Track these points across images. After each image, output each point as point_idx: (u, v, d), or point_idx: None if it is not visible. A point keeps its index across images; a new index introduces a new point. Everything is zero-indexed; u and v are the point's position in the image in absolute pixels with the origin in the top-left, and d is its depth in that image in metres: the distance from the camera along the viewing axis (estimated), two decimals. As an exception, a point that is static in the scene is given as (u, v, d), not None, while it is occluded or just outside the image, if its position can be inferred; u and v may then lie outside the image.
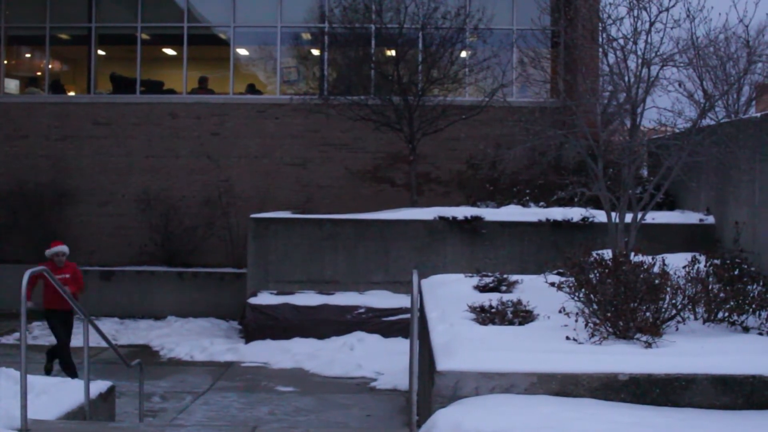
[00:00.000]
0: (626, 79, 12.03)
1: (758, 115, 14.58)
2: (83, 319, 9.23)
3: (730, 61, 18.27)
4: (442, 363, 7.12)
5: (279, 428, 9.83)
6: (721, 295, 8.60)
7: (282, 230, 17.75)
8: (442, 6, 20.42)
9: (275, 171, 22.57)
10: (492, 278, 11.04)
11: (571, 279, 8.93)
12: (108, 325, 18.38)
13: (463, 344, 7.49)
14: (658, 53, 11.92)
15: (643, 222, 12.14)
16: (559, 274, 10.70)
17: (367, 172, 22.59)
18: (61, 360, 13.40)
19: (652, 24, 11.76)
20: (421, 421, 7.20)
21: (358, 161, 22.56)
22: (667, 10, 11.73)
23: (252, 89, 24.09)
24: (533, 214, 17.54)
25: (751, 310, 8.55)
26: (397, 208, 19.12)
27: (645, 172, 18.37)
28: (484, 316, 8.84)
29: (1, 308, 19.47)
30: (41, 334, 18.10)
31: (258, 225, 17.85)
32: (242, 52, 24.81)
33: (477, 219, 17.30)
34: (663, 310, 8.24)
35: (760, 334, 8.19)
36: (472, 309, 9.06)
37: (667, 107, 13.24)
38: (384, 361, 14.78)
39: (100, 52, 24.30)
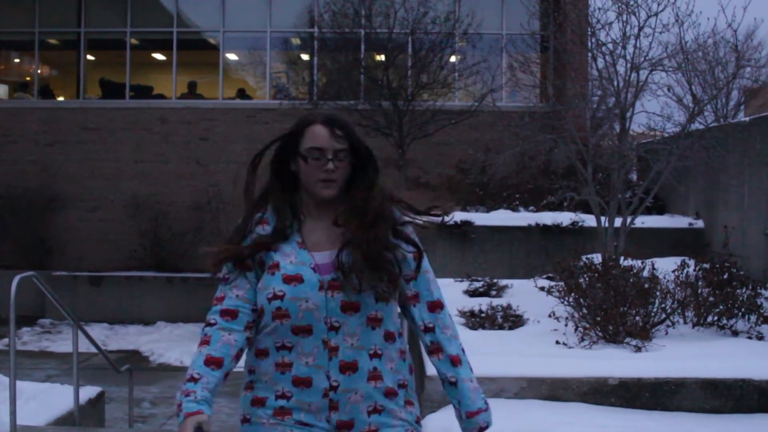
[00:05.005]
0: (615, 83, 12.06)
1: (747, 119, 14.64)
2: (72, 324, 9.21)
3: (719, 66, 18.32)
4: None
5: (269, 433, 9.78)
6: (711, 299, 8.62)
7: (272, 235, 17.70)
8: (431, 11, 20.43)
9: (265, 176, 22.51)
10: (482, 283, 11.05)
11: (561, 283, 8.95)
12: (97, 330, 18.35)
13: (453, 349, 7.48)
14: (647, 58, 11.95)
15: (632, 226, 12.17)
16: (548, 278, 10.72)
17: (357, 176, 22.54)
18: None
19: (641, 28, 11.80)
20: (411, 426, 7.16)
21: (347, 166, 22.51)
22: (656, 14, 11.77)
23: (242, 94, 24.09)
24: (523, 218, 17.54)
25: (740, 314, 8.58)
26: (386, 213, 19.09)
27: (634, 177, 18.40)
28: (474, 320, 8.84)
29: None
30: (30, 340, 18.08)
31: (247, 230, 17.79)
32: (232, 57, 24.81)
33: (467, 223, 17.30)
34: (652, 314, 8.26)
35: (749, 338, 8.21)
36: (462, 313, 9.06)
37: (656, 111, 13.29)
38: (374, 365, 14.76)
39: (90, 57, 24.29)
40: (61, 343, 17.46)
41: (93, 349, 10.44)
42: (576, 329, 8.01)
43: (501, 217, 17.78)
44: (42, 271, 18.59)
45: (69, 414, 8.76)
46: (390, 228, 3.56)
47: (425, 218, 3.81)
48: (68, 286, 19.87)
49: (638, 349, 7.56)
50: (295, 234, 3.53)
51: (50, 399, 9.04)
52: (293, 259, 3.44)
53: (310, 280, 3.38)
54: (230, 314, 3.51)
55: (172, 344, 17.37)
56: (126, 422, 11.06)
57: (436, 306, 3.68)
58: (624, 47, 11.89)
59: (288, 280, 3.39)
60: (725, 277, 9.10)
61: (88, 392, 9.60)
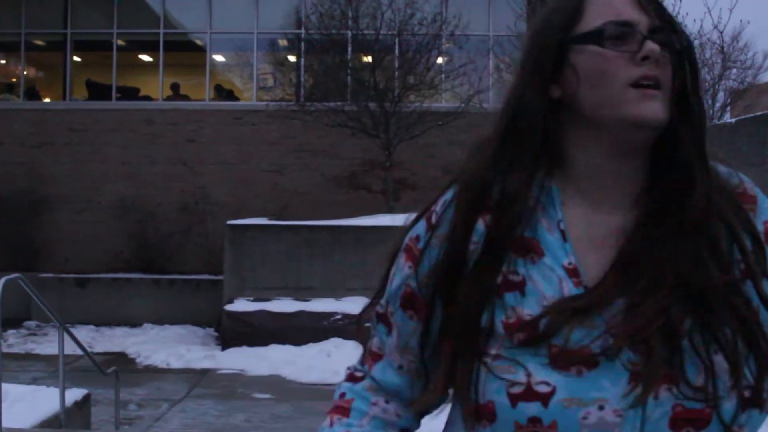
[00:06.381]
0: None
1: (733, 120, 14.69)
2: (58, 326, 9.18)
3: (705, 67, 18.39)
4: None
5: (256, 435, 9.78)
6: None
7: (258, 237, 17.70)
8: (418, 12, 20.43)
9: (251, 177, 22.53)
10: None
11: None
12: (84, 332, 18.25)
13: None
14: (634, 59, 11.99)
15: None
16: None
17: (344, 178, 22.57)
18: None
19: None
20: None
21: (334, 168, 22.54)
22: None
23: (228, 95, 24.06)
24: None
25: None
26: (373, 215, 19.11)
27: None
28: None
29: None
30: (16, 342, 18.01)
31: (234, 232, 17.79)
32: (218, 58, 24.77)
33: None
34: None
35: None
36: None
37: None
38: (361, 367, 14.75)
39: (76, 59, 24.22)
40: (47, 345, 17.40)
41: (79, 352, 10.42)
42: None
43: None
44: (28, 273, 18.47)
45: (55, 416, 8.73)
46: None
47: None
48: (55, 288, 19.78)
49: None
50: (556, 232, 1.65)
51: (36, 401, 9.01)
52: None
53: (611, 362, 1.55)
54: (390, 394, 1.87)
55: (158, 346, 17.32)
56: (112, 424, 11.02)
57: None
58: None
59: (561, 361, 1.55)
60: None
61: (74, 394, 9.57)
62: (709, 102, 20.03)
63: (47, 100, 24.61)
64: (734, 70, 20.96)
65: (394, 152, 19.97)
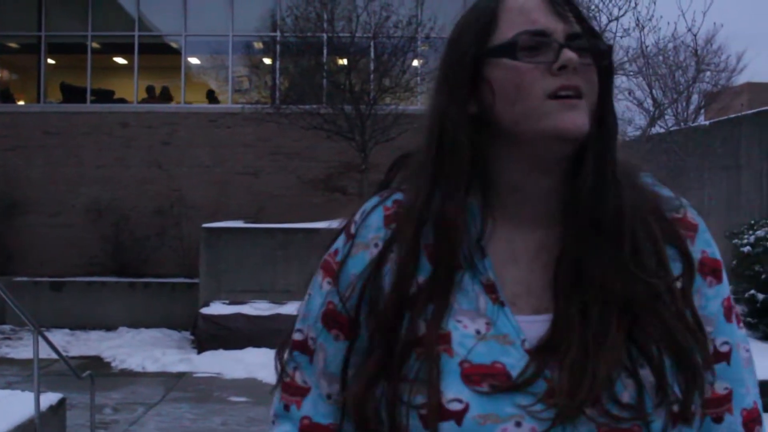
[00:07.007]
0: (577, 87, 12.12)
1: (707, 123, 14.78)
2: (33, 330, 9.14)
3: (679, 70, 18.48)
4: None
5: (232, 439, 9.76)
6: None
7: (234, 240, 17.67)
8: (393, 15, 20.43)
9: (227, 180, 22.48)
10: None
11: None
12: (59, 336, 18.20)
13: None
14: (608, 62, 12.04)
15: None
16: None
17: (320, 181, 22.55)
18: None
19: (602, 33, 11.87)
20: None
21: (310, 170, 22.52)
22: (617, 19, 11.88)
23: (205, 98, 24.01)
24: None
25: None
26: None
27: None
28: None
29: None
30: (-10, 347, 17.94)
31: (210, 235, 17.75)
32: (194, 61, 24.71)
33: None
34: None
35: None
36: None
37: (617, 115, 13.38)
38: (337, 370, 14.72)
39: (50, 61, 24.11)
40: (22, 349, 17.31)
41: (54, 356, 10.36)
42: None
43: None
44: (3, 277, 18.46)
45: (29, 421, 8.69)
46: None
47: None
48: (29, 292, 19.67)
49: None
50: (478, 257, 1.61)
51: (10, 406, 8.96)
52: (482, 326, 1.54)
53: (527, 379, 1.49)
54: None
55: (134, 350, 17.26)
56: (88, 429, 10.98)
57: (754, 420, 1.65)
58: (585, 51, 11.97)
59: (473, 376, 1.49)
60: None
61: (49, 399, 9.52)
62: (684, 104, 20.14)
63: (21, 102, 24.51)
64: (708, 73, 21.07)
65: (369, 155, 19.96)
